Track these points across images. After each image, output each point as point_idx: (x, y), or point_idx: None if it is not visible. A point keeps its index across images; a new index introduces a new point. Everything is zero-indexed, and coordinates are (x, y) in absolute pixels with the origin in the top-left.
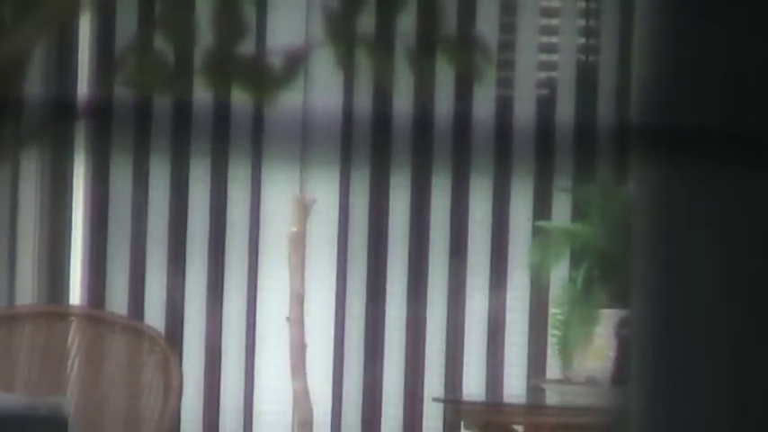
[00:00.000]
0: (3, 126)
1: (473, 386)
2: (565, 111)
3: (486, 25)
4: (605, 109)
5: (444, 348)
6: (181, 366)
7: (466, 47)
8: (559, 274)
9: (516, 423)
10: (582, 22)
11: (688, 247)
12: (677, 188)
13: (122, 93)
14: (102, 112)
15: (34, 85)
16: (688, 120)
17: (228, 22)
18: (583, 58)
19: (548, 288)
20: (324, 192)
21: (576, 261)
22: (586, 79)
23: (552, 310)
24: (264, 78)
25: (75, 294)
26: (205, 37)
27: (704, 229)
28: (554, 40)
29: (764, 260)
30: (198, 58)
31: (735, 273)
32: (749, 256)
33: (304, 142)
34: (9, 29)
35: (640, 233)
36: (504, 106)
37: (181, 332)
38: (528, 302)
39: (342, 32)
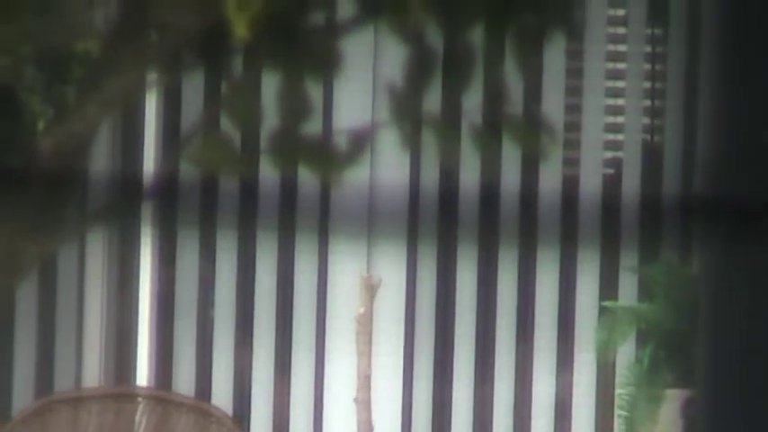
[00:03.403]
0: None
1: None
2: (630, 190)
3: (552, 105)
4: (670, 188)
5: (511, 429)
6: None
7: (531, 126)
8: (626, 354)
9: None
10: (647, 102)
11: (754, 325)
12: (741, 264)
13: (188, 172)
14: (168, 191)
15: (101, 162)
16: (750, 194)
17: (293, 102)
18: (648, 137)
19: (614, 368)
20: (390, 271)
21: (642, 341)
22: (651, 158)
23: (618, 391)
24: (330, 158)
25: (143, 375)
26: (271, 117)
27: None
28: (619, 119)
29: None
30: (264, 139)
31: None
32: None
33: (370, 220)
34: (74, 107)
35: (706, 311)
36: (570, 185)
37: (248, 413)
38: (594, 383)
39: (407, 111)
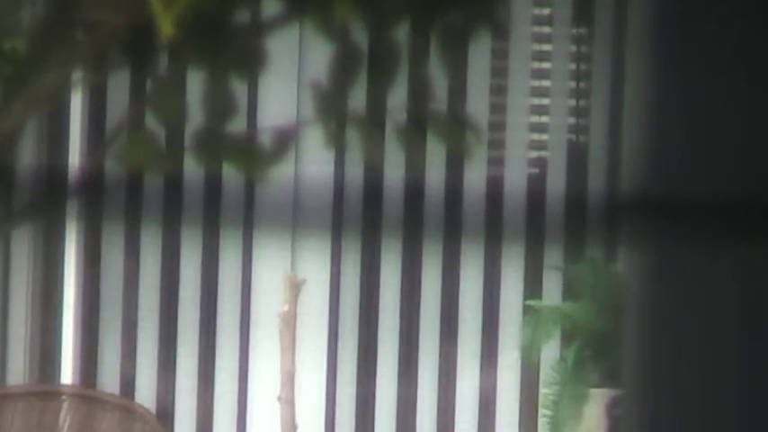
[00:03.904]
0: None
1: None
2: (555, 189)
3: (477, 105)
4: (595, 187)
5: (435, 428)
6: None
7: (456, 125)
8: (550, 353)
9: None
10: (572, 102)
11: (681, 324)
12: (668, 263)
13: (114, 169)
14: (93, 189)
15: (26, 158)
16: (678, 191)
17: (218, 100)
18: (573, 137)
19: (538, 367)
20: (315, 268)
21: (567, 340)
22: (576, 158)
23: (543, 390)
24: (254, 156)
25: (67, 374)
26: (195, 115)
27: (698, 304)
28: (544, 119)
29: (763, 336)
30: (188, 136)
31: (731, 350)
32: (745, 331)
33: (295, 218)
34: (1, 106)
35: (632, 310)
36: (495, 185)
37: (172, 411)
38: (519, 381)
39: (332, 109)
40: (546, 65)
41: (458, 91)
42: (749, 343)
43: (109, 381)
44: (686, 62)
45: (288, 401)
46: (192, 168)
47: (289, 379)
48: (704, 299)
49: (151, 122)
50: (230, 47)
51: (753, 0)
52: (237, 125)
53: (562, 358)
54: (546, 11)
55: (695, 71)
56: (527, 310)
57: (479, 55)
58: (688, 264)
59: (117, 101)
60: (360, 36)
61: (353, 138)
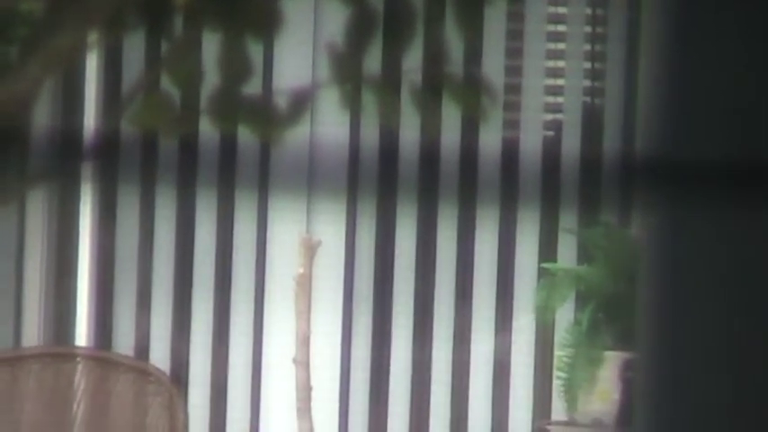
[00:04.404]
0: (10, 164)
1: (479, 428)
2: (570, 153)
3: (492, 67)
4: (610, 151)
5: (450, 390)
6: (186, 407)
7: (471, 87)
8: (565, 316)
9: None
10: (587, 65)
11: (694, 288)
12: (683, 226)
13: (129, 131)
14: (108, 151)
15: (41, 120)
16: (693, 155)
17: (234, 62)
18: (588, 100)
19: (553, 330)
20: (330, 232)
21: (581, 303)
22: (592, 121)
23: (557, 352)
24: (270, 118)
25: (82, 335)
26: (211, 77)
27: (710, 268)
28: (560, 82)
29: None
30: (204, 98)
31: (741, 313)
32: (759, 294)
33: (310, 180)
34: (15, 67)
35: (645, 274)
36: (510, 147)
37: (186, 373)
38: (533, 344)
39: (347, 71)
40: (561, 28)
41: (473, 53)
42: (763, 307)
43: (123, 343)
44: (702, 24)
45: (303, 364)
46: (208, 131)
47: (304, 341)
48: (718, 262)
49: (166, 85)
50: (245, 8)
51: None
52: (253, 87)
53: (576, 321)
54: None
55: (711, 33)
56: (542, 273)
57: (495, 17)
58: (702, 227)
59: (132, 63)
60: None
61: (369, 100)
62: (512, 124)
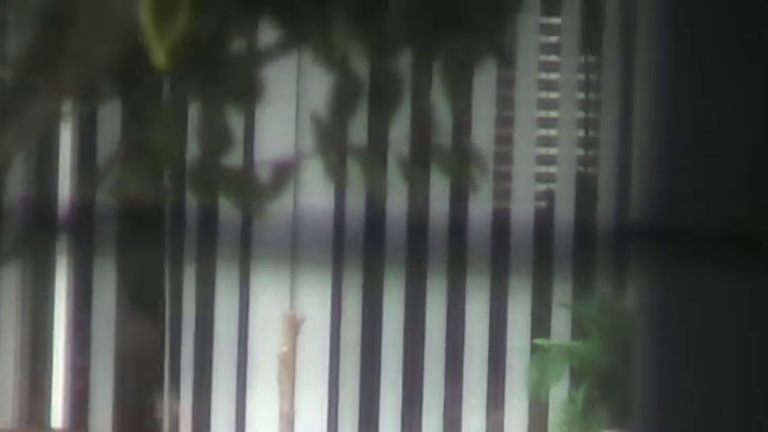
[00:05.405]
0: None
1: None
2: (563, 223)
3: (482, 136)
4: (604, 220)
5: None
6: None
7: (461, 157)
8: (559, 394)
9: None
10: (580, 132)
11: (692, 362)
12: (679, 296)
13: (105, 201)
14: (83, 223)
15: (16, 191)
16: (689, 223)
17: (213, 132)
18: (581, 169)
19: (547, 408)
20: (315, 306)
21: (575, 380)
22: (585, 191)
23: None
24: (252, 190)
25: (58, 414)
26: (191, 147)
27: (709, 339)
28: (552, 151)
29: None
30: (185, 169)
31: (745, 387)
32: (760, 367)
33: (294, 254)
34: None
35: (640, 347)
36: (502, 218)
37: None
38: (526, 423)
39: (332, 141)
40: (553, 95)
41: (462, 122)
42: (764, 379)
43: (100, 422)
44: (696, 92)
45: None
46: (189, 201)
47: (288, 423)
48: (716, 333)
49: (145, 154)
50: (226, 77)
51: (766, 35)
52: (234, 158)
53: (571, 399)
54: (553, 38)
55: (705, 101)
56: (534, 350)
57: (484, 84)
58: (699, 297)
59: (108, 132)
60: (360, 65)
61: (354, 170)
62: (503, 194)
